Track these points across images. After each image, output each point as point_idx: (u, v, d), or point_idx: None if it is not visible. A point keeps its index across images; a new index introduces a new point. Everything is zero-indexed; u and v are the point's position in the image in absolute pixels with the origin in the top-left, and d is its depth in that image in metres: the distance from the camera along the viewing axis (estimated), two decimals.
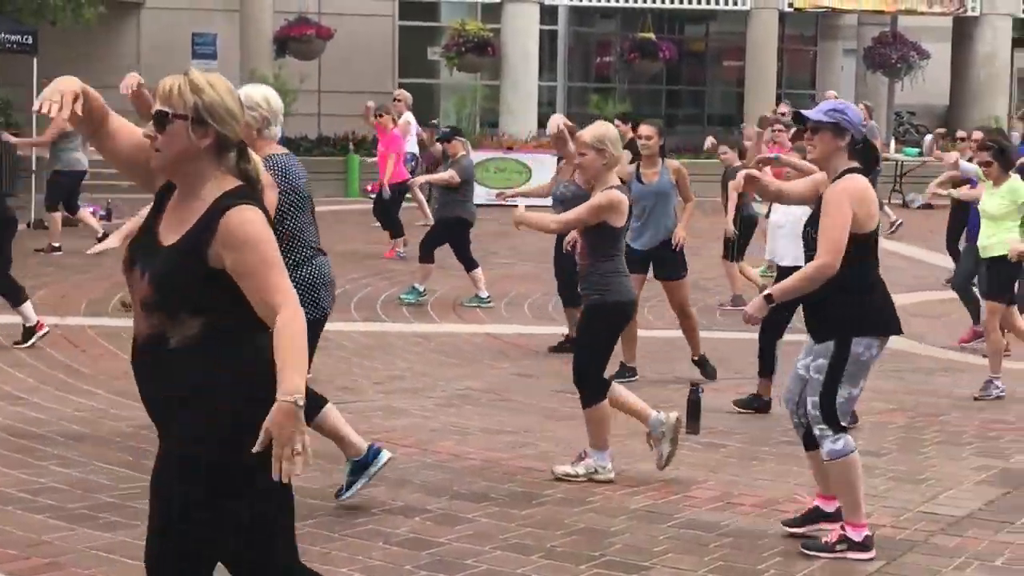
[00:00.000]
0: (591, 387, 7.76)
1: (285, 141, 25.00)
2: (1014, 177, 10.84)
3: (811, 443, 6.72)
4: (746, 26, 30.58)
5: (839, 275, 6.28)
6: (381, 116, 17.92)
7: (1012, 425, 9.59)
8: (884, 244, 6.63)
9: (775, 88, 30.84)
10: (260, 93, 6.79)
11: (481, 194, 23.40)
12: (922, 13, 31.67)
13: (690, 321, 11.12)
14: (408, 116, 20.79)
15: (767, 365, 9.84)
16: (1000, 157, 10.67)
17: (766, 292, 6.31)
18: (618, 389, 7.99)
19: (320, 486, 7.39)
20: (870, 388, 7.53)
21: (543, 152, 24.66)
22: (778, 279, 9.31)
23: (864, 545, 6.50)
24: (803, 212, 7.95)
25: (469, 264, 14.29)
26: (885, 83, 33.06)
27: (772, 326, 9.54)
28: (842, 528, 6.55)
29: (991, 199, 10.78)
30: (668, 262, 11.09)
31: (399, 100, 20.42)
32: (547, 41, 32.43)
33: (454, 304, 14.36)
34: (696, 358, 11.17)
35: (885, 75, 32.12)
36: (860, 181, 6.40)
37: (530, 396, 10.19)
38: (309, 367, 6.97)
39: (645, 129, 10.94)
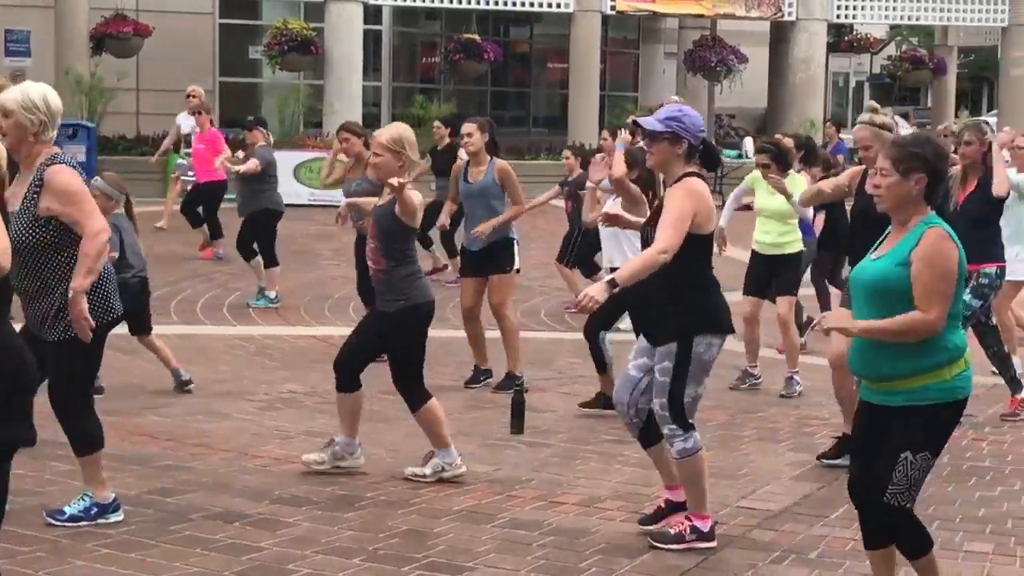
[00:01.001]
0: (414, 393, 7.73)
1: (103, 141, 24.53)
2: (792, 174, 10.98)
3: (648, 441, 6.82)
4: (569, 28, 30.82)
5: (679, 275, 6.36)
6: (200, 114, 17.56)
7: (826, 421, 9.80)
8: None
9: (599, 90, 31.12)
10: (39, 93, 6.39)
11: (304, 194, 23.30)
12: (740, 18, 32.25)
13: (504, 323, 10.72)
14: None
15: (600, 362, 9.88)
16: (778, 159, 10.80)
17: (609, 277, 6.30)
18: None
19: (137, 492, 7.24)
20: None
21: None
22: None
23: (710, 535, 6.65)
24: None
25: (270, 260, 14.12)
26: (705, 86, 33.59)
27: (596, 325, 9.61)
28: (688, 519, 6.65)
29: (772, 199, 10.88)
30: (495, 259, 10.93)
31: (194, 96, 19.29)
32: (371, 41, 32.28)
33: (278, 308, 14.20)
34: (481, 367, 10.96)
35: (705, 78, 32.63)
36: (698, 184, 6.50)
37: None
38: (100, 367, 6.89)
39: (467, 126, 10.81)
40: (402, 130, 7.83)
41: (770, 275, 10.99)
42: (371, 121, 26.37)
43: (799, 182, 10.89)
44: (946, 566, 6.50)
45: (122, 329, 8.70)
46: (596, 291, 6.19)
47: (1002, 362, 10.23)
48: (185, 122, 19.49)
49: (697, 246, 6.43)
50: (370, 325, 7.92)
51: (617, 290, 6.21)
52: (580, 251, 14.54)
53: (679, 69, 34.84)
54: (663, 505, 6.97)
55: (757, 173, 11.00)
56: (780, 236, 10.98)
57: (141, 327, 10.01)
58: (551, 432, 9.23)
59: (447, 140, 16.35)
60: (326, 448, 7.90)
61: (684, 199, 6.39)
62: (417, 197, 7.63)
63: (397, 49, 35.25)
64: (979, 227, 9.45)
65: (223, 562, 6.21)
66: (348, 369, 7.78)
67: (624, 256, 9.60)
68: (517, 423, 8.97)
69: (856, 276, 5.52)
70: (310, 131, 28.18)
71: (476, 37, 30.12)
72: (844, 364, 8.20)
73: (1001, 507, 7.61)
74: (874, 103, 8.58)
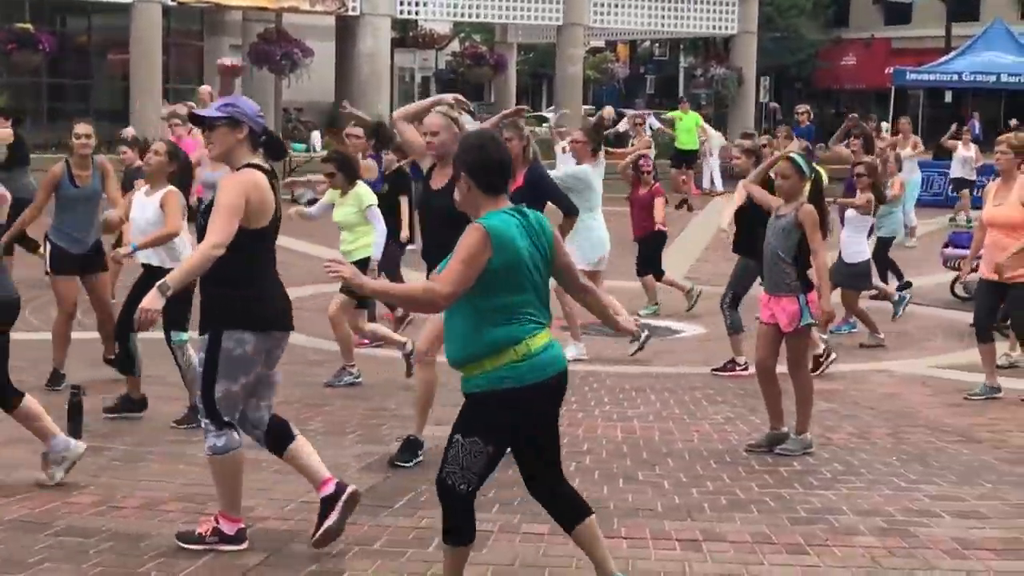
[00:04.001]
0: None
1: None
2: (360, 184, 11.07)
3: (278, 448, 6.75)
4: (130, 19, 30.08)
5: (224, 270, 6.25)
6: None
7: (393, 412, 9.92)
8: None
9: (161, 82, 30.54)
10: None
11: None
12: (305, 12, 32.33)
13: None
14: None
15: (127, 364, 9.65)
16: (344, 167, 10.86)
17: (161, 282, 6.13)
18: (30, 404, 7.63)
19: None
20: None
21: None
22: None
23: (237, 538, 6.57)
24: None
25: None
26: (272, 80, 33.47)
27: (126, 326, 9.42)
28: (216, 521, 6.57)
29: (342, 208, 10.93)
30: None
31: None
32: None
33: None
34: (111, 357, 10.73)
35: (271, 72, 32.54)
36: (256, 175, 6.40)
37: None
38: None
39: (80, 127, 10.47)
40: None
41: None
42: None
43: (365, 195, 10.99)
44: (505, 548, 6.73)
45: None
46: (151, 301, 6.05)
47: None
48: None
49: (249, 240, 6.33)
50: None
51: (171, 293, 6.10)
52: None
53: (244, 62, 34.57)
54: (320, 504, 6.78)
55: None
56: (350, 244, 10.99)
57: None
58: (113, 435, 8.98)
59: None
60: (48, 466, 7.57)
61: (236, 189, 6.29)
62: None
63: None
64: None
65: None
66: None
67: (159, 256, 9.39)
68: (75, 427, 8.65)
69: None
70: None
71: (30, 27, 29.00)
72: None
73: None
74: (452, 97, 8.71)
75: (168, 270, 8.43)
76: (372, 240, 10.96)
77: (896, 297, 14.22)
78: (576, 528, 5.81)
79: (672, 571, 6.50)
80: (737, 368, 11.62)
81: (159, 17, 30.24)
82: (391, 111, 32.78)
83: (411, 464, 8.30)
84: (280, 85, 33.39)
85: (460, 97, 8.60)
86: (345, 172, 10.85)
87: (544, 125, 35.49)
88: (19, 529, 6.78)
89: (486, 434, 5.53)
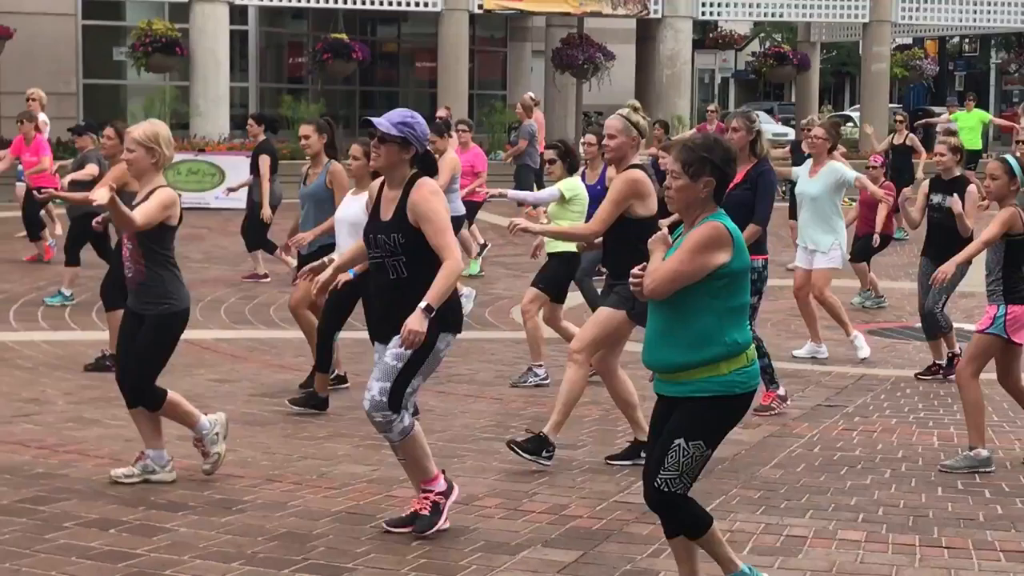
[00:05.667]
0: (149, 398, 7.62)
1: None
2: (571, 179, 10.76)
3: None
4: (437, 27, 30.83)
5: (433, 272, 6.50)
6: (23, 123, 17.06)
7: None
8: None
9: (467, 89, 31.18)
10: None
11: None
12: (607, 15, 32.52)
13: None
14: (43, 116, 19.54)
15: (324, 363, 9.80)
16: (566, 156, 10.60)
17: (424, 304, 6.39)
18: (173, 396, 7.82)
19: (8, 501, 7.12)
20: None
21: (236, 154, 24.37)
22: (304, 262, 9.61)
23: (449, 488, 6.88)
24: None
25: (73, 259, 13.88)
26: (573, 84, 33.82)
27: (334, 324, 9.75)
28: (424, 494, 6.81)
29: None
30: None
31: (34, 100, 18.74)
32: (238, 41, 32.01)
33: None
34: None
35: (573, 76, 32.86)
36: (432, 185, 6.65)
37: (227, 402, 10.00)
38: None
39: (303, 128, 10.63)
40: (157, 127, 7.67)
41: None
42: (240, 122, 26.11)
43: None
44: (820, 554, 6.64)
45: None
46: (415, 323, 6.32)
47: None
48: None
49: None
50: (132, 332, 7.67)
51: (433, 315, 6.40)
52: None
53: (547, 67, 35.02)
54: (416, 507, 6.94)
55: None
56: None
57: None
58: (428, 431, 9.21)
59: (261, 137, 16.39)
60: (137, 462, 7.75)
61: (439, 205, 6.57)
62: (147, 208, 7.40)
63: (264, 49, 35.02)
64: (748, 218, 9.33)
65: (99, 570, 6.12)
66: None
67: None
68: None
69: None
70: (177, 133, 27.84)
71: (344, 37, 30.01)
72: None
73: (872, 495, 7.77)
74: (634, 102, 8.66)
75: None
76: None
77: None
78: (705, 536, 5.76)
79: None
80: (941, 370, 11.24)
81: (466, 24, 30.89)
82: (691, 113, 32.78)
83: (531, 458, 8.12)
84: (581, 89, 33.68)
85: None
86: (567, 161, 10.68)
87: (848, 125, 34.88)
88: (346, 521, 7.04)
89: (711, 438, 5.57)
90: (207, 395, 10.11)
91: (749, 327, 5.67)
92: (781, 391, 9.91)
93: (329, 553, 6.48)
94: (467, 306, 12.19)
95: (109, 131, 11.25)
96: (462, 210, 14.89)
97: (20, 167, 19.40)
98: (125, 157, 7.73)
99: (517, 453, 8.11)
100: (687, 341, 5.46)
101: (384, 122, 6.60)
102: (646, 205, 8.09)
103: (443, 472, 6.98)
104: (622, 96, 35.08)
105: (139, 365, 7.55)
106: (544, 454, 8.14)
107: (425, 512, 6.78)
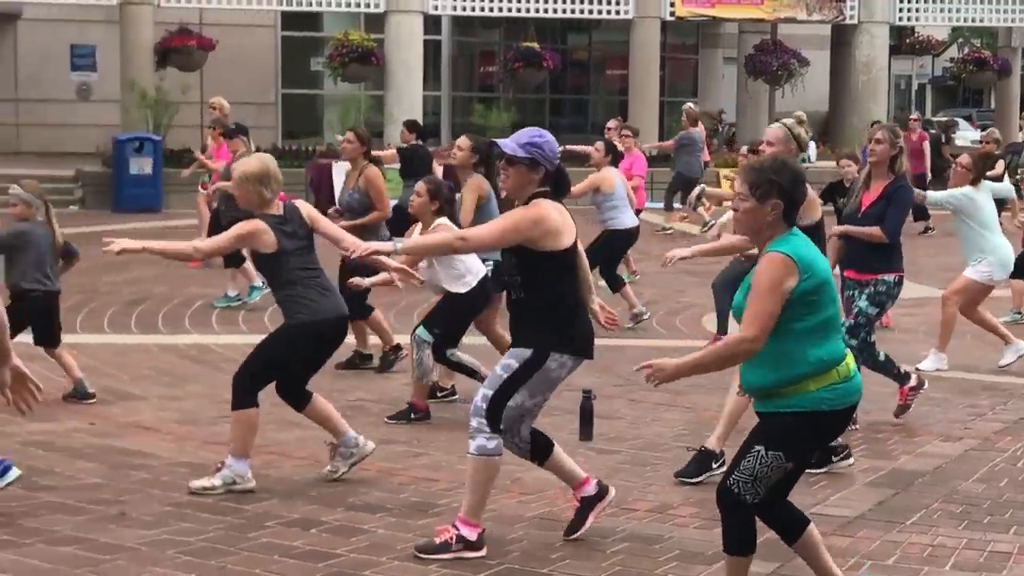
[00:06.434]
0: (243, 390, 7.66)
1: (168, 153, 24.70)
2: None
3: (540, 456, 6.87)
4: (629, 35, 30.81)
5: (551, 291, 6.48)
6: (214, 129, 17.45)
7: (898, 426, 9.73)
8: None
9: (658, 96, 31.09)
10: None
11: None
12: (801, 21, 32.13)
13: None
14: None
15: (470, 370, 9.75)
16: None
17: (395, 241, 6.79)
18: (320, 400, 7.91)
19: (214, 500, 7.31)
20: None
21: None
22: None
23: (478, 544, 6.54)
24: None
25: (233, 259, 14.19)
26: (766, 90, 33.49)
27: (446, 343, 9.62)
28: (456, 527, 6.54)
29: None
30: None
31: (214, 108, 19.05)
32: (431, 51, 32.43)
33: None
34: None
35: (766, 82, 32.54)
36: (545, 203, 6.51)
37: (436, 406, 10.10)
38: None
39: (461, 140, 10.67)
40: (261, 164, 7.63)
41: None
42: (432, 131, 26.48)
43: None
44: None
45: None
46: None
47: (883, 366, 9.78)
48: None
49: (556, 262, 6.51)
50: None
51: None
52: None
53: (739, 74, 34.75)
54: (579, 504, 6.91)
55: None
56: None
57: (48, 339, 10.01)
58: (619, 439, 9.23)
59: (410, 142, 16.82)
60: (335, 458, 7.89)
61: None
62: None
63: (456, 58, 35.42)
64: None
65: (302, 569, 6.27)
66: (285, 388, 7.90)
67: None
68: (587, 430, 8.96)
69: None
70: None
71: (535, 45, 30.17)
72: None
73: None
74: (801, 113, 8.50)
75: (455, 293, 9.24)
76: None
77: None
78: (799, 540, 5.76)
79: None
80: None
81: (657, 31, 30.81)
82: (888, 119, 32.18)
83: (697, 480, 7.95)
84: (774, 95, 33.34)
85: None
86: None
87: None
88: (540, 526, 7.08)
89: (793, 451, 5.50)
90: (403, 398, 10.21)
91: (841, 341, 5.54)
92: (913, 381, 9.68)
93: (524, 558, 6.53)
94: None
95: (350, 135, 11.78)
96: (628, 223, 14.13)
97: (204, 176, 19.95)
98: (233, 191, 8.21)
99: (687, 482, 7.96)
100: (770, 364, 5.42)
101: (511, 144, 6.52)
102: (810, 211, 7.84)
103: (596, 480, 6.94)
104: (816, 103, 34.84)
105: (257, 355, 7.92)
106: (713, 465, 7.96)
107: (439, 538, 6.54)
